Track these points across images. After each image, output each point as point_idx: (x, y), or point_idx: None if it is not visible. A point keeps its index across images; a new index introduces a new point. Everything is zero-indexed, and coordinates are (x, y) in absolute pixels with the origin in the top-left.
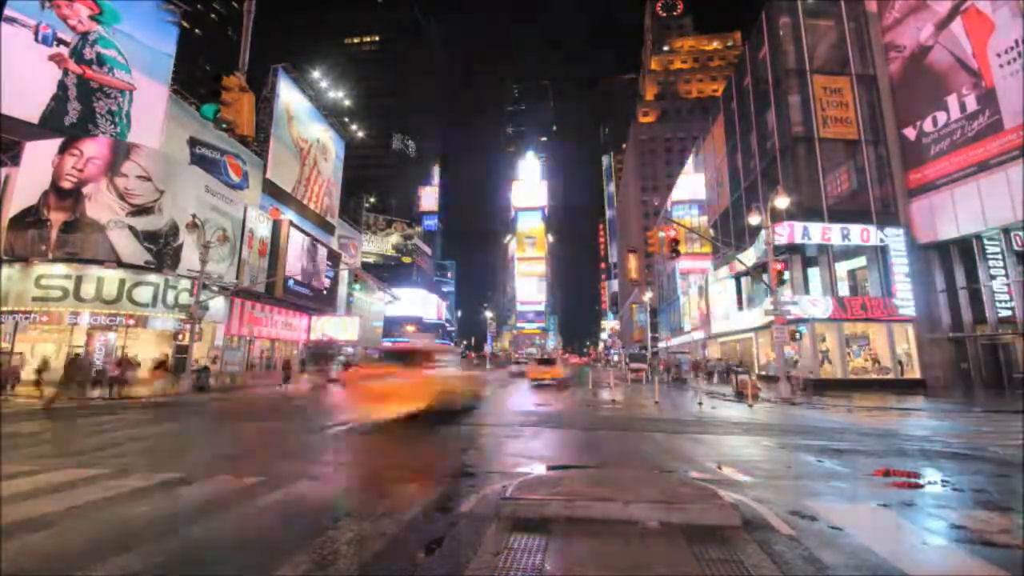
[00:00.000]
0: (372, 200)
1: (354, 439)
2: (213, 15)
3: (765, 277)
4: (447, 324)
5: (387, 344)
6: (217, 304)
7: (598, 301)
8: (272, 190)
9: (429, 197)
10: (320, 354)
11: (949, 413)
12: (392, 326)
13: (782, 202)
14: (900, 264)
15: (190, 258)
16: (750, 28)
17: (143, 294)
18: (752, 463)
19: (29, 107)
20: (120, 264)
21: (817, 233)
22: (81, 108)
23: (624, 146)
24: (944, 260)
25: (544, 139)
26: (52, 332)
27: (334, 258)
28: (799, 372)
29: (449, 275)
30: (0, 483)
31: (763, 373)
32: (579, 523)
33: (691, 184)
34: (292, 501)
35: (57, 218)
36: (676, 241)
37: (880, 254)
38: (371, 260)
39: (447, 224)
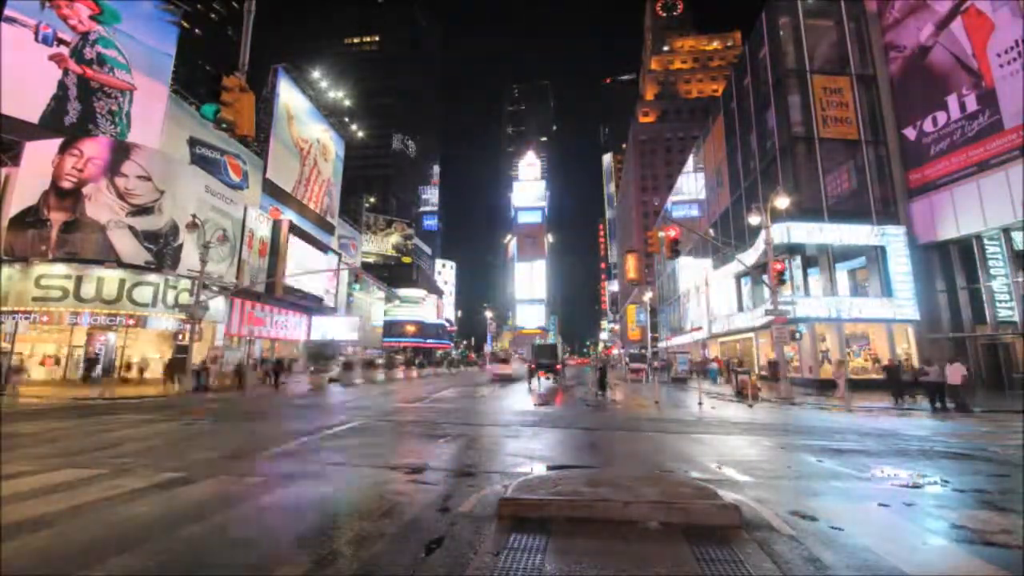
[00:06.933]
0: (372, 200)
1: None
2: (213, 15)
3: (765, 277)
4: (447, 324)
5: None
6: (217, 304)
7: (598, 301)
8: (272, 190)
9: (429, 197)
10: (319, 354)
11: (949, 413)
12: (392, 326)
13: (782, 202)
14: (900, 264)
15: (190, 258)
16: (750, 28)
17: (143, 294)
18: (752, 463)
19: (29, 107)
20: (120, 264)
21: (817, 233)
22: (81, 108)
23: (624, 146)
24: (944, 260)
25: (544, 139)
26: (52, 332)
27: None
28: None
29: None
30: (0, 483)
31: (763, 373)
32: (579, 523)
33: (691, 184)
34: (292, 500)
35: (57, 218)
36: (676, 241)
37: (880, 254)
38: (371, 260)
39: (447, 224)
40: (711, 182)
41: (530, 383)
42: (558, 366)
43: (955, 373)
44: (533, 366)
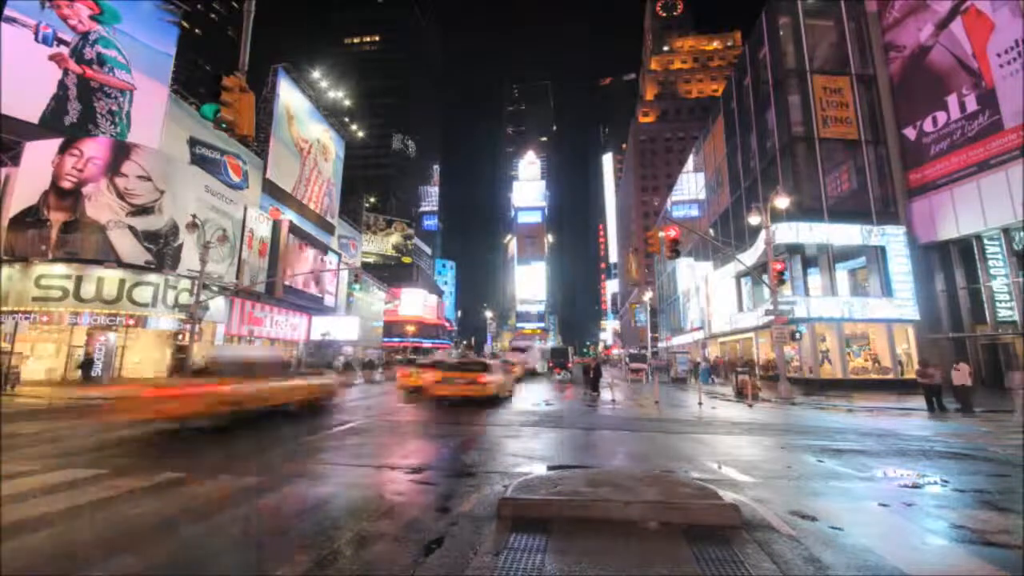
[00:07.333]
0: (372, 200)
1: None
2: (213, 15)
3: (765, 277)
4: (447, 324)
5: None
6: (217, 304)
7: (598, 301)
8: (272, 190)
9: (429, 197)
10: (319, 355)
11: (948, 414)
12: (392, 326)
13: (782, 202)
14: (900, 264)
15: (190, 258)
16: (750, 28)
17: (143, 294)
18: (752, 463)
19: (29, 107)
20: (120, 264)
21: (817, 233)
22: (81, 108)
23: (624, 146)
24: (944, 260)
25: (544, 139)
26: (52, 332)
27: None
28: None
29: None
30: (0, 483)
31: (763, 373)
32: (579, 523)
33: (691, 184)
34: (292, 501)
35: (57, 218)
36: (676, 241)
37: (880, 254)
38: (371, 260)
39: (447, 224)
40: (711, 182)
41: (549, 377)
42: (569, 364)
43: (962, 374)
44: (551, 363)
